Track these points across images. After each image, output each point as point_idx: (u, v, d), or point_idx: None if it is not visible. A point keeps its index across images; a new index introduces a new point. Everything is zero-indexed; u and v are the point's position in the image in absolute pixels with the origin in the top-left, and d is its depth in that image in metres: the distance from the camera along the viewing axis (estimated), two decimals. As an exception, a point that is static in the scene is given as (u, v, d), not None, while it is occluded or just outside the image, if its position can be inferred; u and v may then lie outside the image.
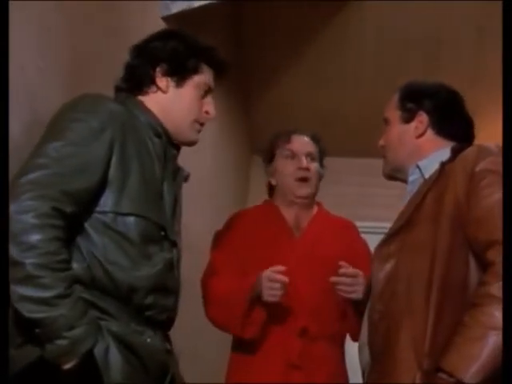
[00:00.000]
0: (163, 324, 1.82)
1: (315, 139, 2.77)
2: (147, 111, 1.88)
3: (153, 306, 1.75)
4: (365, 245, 2.78)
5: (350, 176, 5.24)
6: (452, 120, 2.01)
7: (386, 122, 2.10)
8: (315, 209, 2.76)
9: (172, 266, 1.83)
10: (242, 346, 2.56)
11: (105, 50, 2.46)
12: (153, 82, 1.91)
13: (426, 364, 1.68)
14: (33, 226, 1.54)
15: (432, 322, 1.71)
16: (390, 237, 1.90)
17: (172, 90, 1.92)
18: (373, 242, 2.84)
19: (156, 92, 1.91)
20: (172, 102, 1.91)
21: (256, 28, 4.57)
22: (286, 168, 2.67)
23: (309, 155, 2.69)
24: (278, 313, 2.51)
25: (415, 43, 4.50)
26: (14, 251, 1.52)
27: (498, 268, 1.60)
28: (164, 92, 1.91)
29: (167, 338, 1.86)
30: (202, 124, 1.98)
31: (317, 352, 2.51)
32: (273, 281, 2.36)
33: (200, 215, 3.94)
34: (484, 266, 1.67)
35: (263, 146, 2.86)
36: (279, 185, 2.71)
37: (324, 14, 4.40)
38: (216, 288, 2.54)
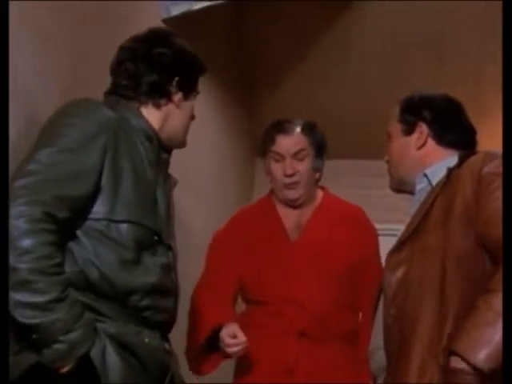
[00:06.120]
0: (162, 324, 1.82)
1: (307, 129, 2.63)
2: (139, 116, 1.87)
3: (150, 307, 1.75)
4: (372, 234, 2.71)
5: (351, 177, 5.22)
6: (452, 129, 2.02)
7: (389, 136, 2.11)
8: (318, 199, 2.68)
9: (169, 269, 1.83)
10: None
11: (103, 53, 2.44)
12: (168, 96, 1.92)
13: (441, 360, 1.69)
14: (26, 231, 1.53)
15: (449, 321, 1.73)
16: (401, 244, 1.92)
17: (180, 104, 1.95)
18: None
19: (166, 105, 1.92)
20: (176, 113, 1.94)
21: (258, 28, 4.56)
22: (274, 171, 2.62)
23: (297, 154, 2.58)
24: (276, 317, 2.49)
25: (418, 43, 4.49)
26: (9, 257, 1.52)
27: None
28: (177, 107, 1.94)
29: (166, 339, 1.86)
30: None
31: (321, 355, 2.48)
32: (229, 345, 2.33)
33: (205, 217, 3.94)
34: (498, 259, 1.68)
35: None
36: (272, 185, 2.69)
37: (327, 15, 4.40)
38: (198, 312, 2.49)
